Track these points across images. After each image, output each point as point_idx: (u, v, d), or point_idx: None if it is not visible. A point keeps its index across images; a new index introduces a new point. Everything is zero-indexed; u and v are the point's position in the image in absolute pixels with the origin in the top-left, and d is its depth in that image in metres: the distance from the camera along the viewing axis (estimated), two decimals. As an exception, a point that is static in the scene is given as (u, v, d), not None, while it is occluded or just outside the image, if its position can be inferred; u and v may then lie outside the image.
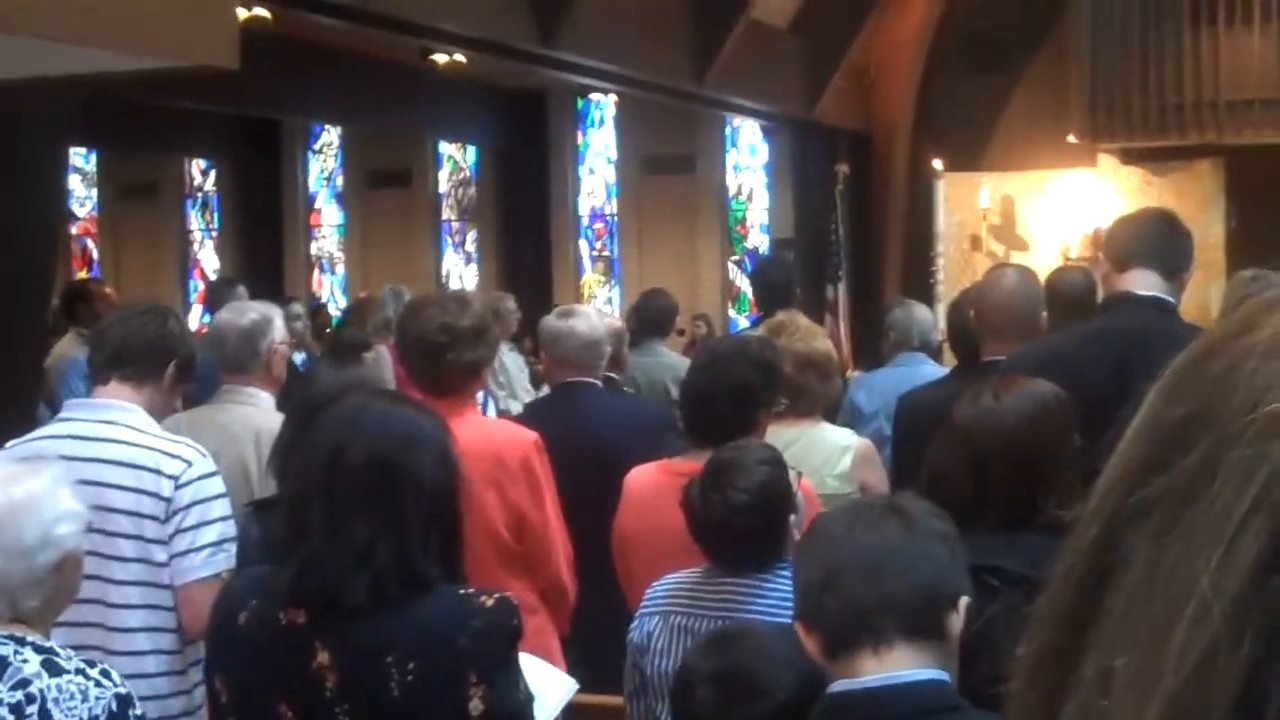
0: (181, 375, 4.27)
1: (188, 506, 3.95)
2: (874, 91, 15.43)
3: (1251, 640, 0.60)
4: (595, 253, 20.47)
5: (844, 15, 14.34)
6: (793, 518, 3.54)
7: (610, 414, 5.48)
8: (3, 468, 3.42)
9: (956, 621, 2.40)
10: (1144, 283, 4.37)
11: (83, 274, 21.06)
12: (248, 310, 5.02)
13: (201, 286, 21.71)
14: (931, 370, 6.43)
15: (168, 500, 3.95)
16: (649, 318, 8.71)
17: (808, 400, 5.10)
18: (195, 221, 22.87)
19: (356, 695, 2.69)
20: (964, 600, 2.42)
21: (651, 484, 4.29)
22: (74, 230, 22.51)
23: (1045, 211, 14.63)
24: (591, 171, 20.38)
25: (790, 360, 4.85)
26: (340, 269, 21.81)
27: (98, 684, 2.90)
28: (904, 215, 15.43)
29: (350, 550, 2.67)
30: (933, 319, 7.46)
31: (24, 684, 2.83)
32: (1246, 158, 13.46)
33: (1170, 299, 4.39)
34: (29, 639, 2.93)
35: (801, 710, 2.52)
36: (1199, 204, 13.51)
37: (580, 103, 19.99)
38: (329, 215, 21.98)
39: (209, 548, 3.97)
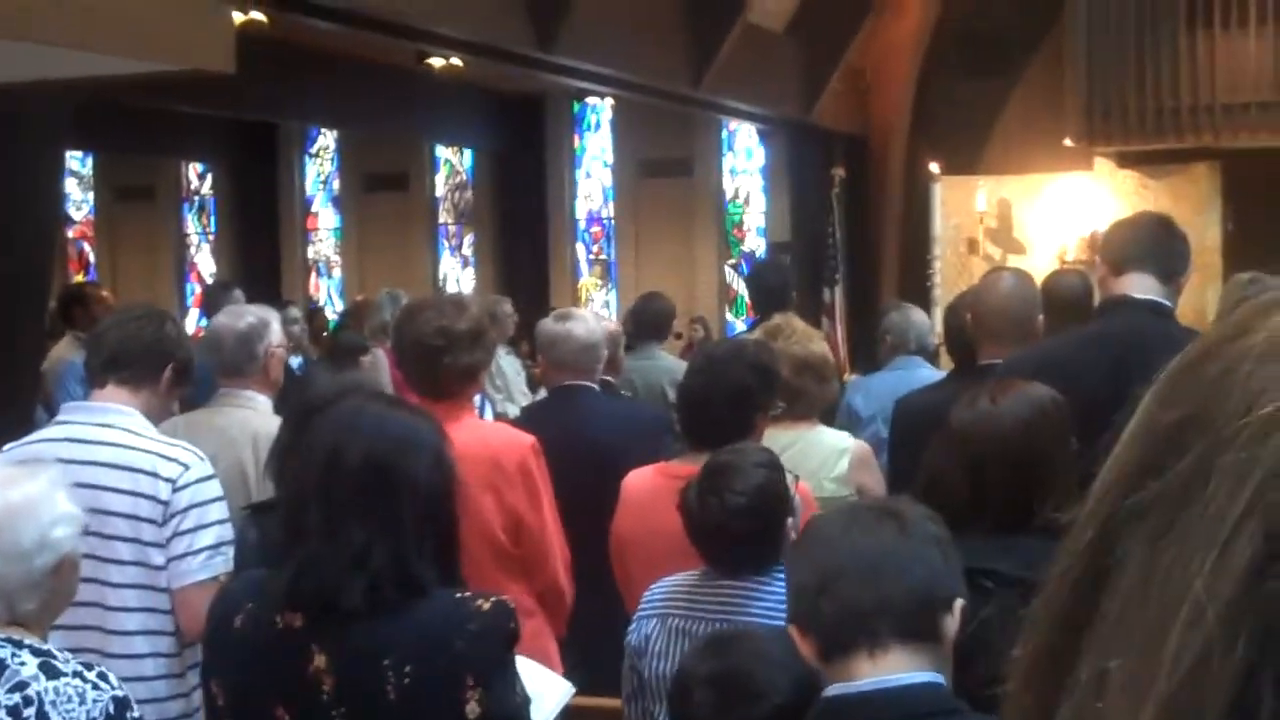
0: (178, 379, 4.27)
1: (185, 510, 3.96)
2: (870, 95, 15.43)
3: (1245, 643, 0.60)
4: (592, 256, 20.48)
5: (840, 18, 14.35)
6: (790, 521, 3.55)
7: (607, 417, 5.48)
8: (0, 471, 3.42)
9: (951, 624, 2.41)
10: (1141, 286, 4.37)
11: (79, 277, 21.04)
12: (245, 314, 5.02)
13: (198, 290, 21.70)
14: (928, 374, 6.43)
15: (165, 503, 3.95)
16: (646, 321, 8.71)
17: (805, 403, 5.11)
18: (192, 225, 22.86)
19: (353, 698, 2.69)
20: (959, 603, 2.42)
21: (649, 487, 4.29)
22: (70, 233, 22.50)
23: (1042, 215, 14.63)
24: (588, 175, 20.38)
25: (787, 363, 4.85)
26: (337, 272, 21.81)
27: (95, 686, 2.90)
28: (900, 218, 15.43)
29: (346, 553, 2.67)
30: (929, 323, 7.46)
31: (22, 686, 2.83)
32: (1243, 161, 13.46)
33: (1167, 303, 4.40)
34: (26, 642, 2.93)
35: (797, 714, 2.52)
36: (1195, 207, 13.52)
37: (577, 106, 20.00)
38: (325, 219, 21.98)
39: (206, 551, 3.97)
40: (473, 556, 3.62)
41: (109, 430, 4.04)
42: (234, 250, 21.84)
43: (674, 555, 3.74)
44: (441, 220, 21.29)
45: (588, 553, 4.56)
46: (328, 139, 21.72)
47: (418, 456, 2.76)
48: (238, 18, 8.12)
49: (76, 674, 2.90)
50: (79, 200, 23.00)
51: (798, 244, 15.74)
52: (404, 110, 17.08)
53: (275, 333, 4.96)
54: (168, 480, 3.96)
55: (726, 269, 19.32)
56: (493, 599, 2.76)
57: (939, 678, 2.39)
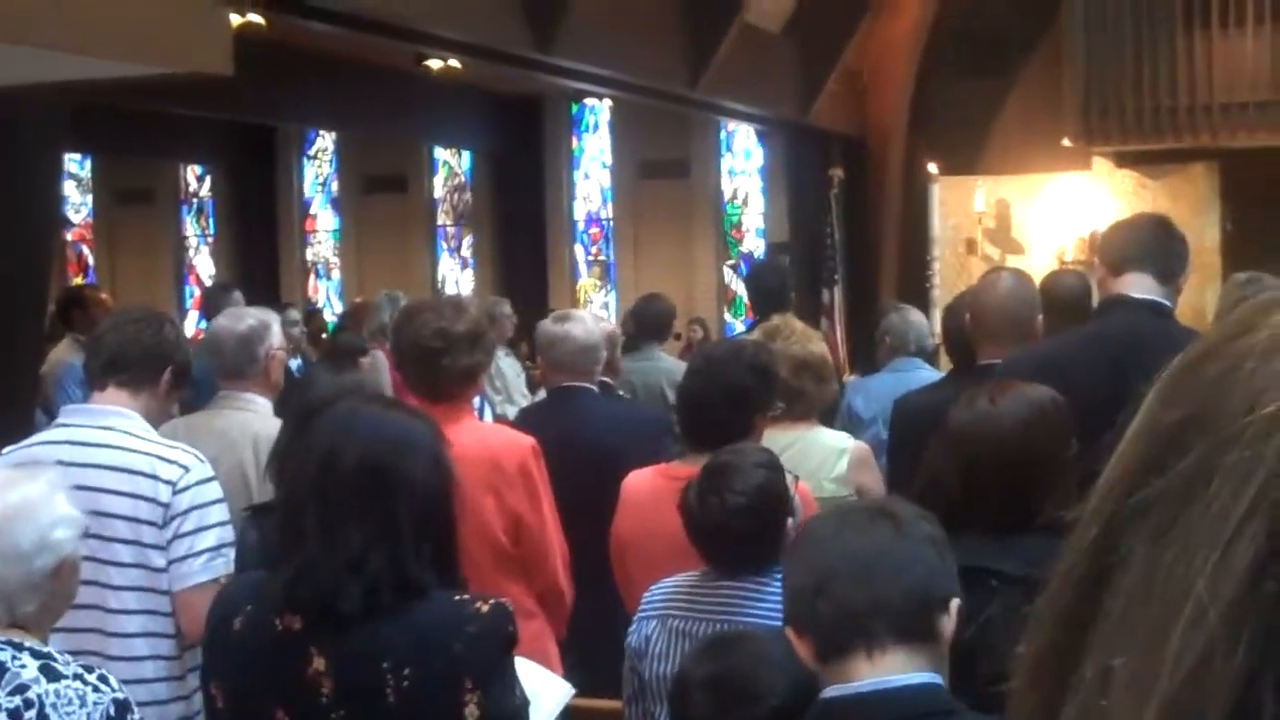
0: (177, 381, 4.27)
1: (185, 512, 3.96)
2: (868, 95, 15.43)
3: (1247, 644, 0.60)
4: (591, 257, 20.47)
5: (837, 19, 14.34)
6: (790, 521, 3.55)
7: (607, 419, 5.48)
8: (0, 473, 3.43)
9: (948, 624, 2.41)
10: (1139, 286, 4.38)
11: (78, 280, 21.04)
12: (245, 316, 5.02)
13: (197, 292, 21.69)
14: (928, 375, 6.43)
15: (165, 505, 3.95)
16: (647, 322, 8.71)
17: (804, 404, 5.11)
18: (191, 227, 22.86)
19: (352, 701, 2.69)
20: (955, 602, 2.42)
21: (649, 488, 4.29)
22: (69, 236, 22.51)
23: (1040, 215, 14.64)
24: (587, 176, 20.38)
25: (786, 364, 4.86)
26: (336, 274, 21.81)
27: (95, 689, 2.91)
28: (899, 219, 15.43)
29: (343, 556, 2.67)
30: (927, 324, 7.46)
31: (22, 689, 2.83)
32: (1241, 161, 13.47)
33: (1166, 302, 4.40)
34: (27, 644, 2.93)
35: (795, 715, 2.52)
36: (1194, 207, 13.53)
37: (575, 108, 19.99)
38: (324, 221, 21.97)
39: (207, 553, 3.97)
40: (473, 558, 3.62)
41: (109, 433, 4.04)
42: (233, 252, 21.84)
43: (674, 556, 3.74)
44: (440, 222, 21.28)
45: (587, 554, 4.56)
46: (326, 141, 21.72)
47: (415, 458, 2.76)
48: (235, 20, 8.12)
49: (77, 676, 2.90)
50: (78, 203, 23.00)
51: (796, 245, 15.73)
52: (402, 112, 17.07)
53: (275, 335, 4.96)
54: (168, 483, 3.96)
55: (725, 270, 19.32)
56: (491, 601, 2.76)
57: (936, 678, 2.39)
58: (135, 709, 3.00)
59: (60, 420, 4.31)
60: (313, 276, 22.00)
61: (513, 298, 12.87)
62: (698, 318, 16.49)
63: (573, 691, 3.45)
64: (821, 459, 5.01)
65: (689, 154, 19.13)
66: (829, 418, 5.88)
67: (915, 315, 7.18)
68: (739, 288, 18.49)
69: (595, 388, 5.62)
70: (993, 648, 2.42)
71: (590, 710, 4.06)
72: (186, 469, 3.99)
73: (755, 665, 2.77)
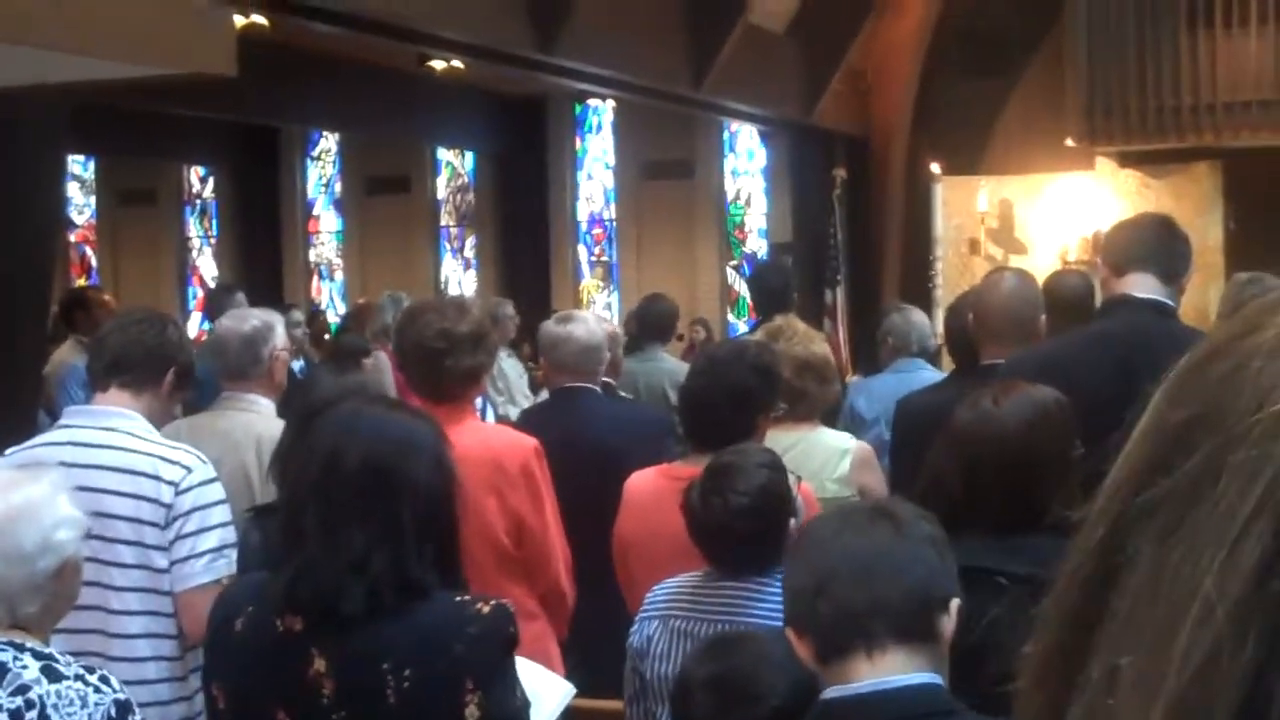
0: (180, 382, 4.28)
1: (188, 513, 3.96)
2: (871, 95, 15.41)
3: (1255, 642, 0.60)
4: (594, 258, 20.47)
5: (840, 19, 14.33)
6: (793, 522, 3.55)
7: (609, 419, 5.48)
8: (2, 474, 3.43)
9: (948, 624, 2.41)
10: (1143, 286, 4.37)
11: (81, 281, 21.05)
12: (249, 317, 5.02)
13: (200, 294, 21.71)
14: (930, 375, 6.42)
15: (168, 506, 3.95)
16: (650, 323, 8.71)
17: (806, 404, 5.11)
18: (194, 228, 22.86)
19: (353, 702, 2.69)
20: (955, 602, 2.42)
21: (651, 489, 4.29)
22: (72, 237, 22.51)
23: (1043, 215, 14.63)
24: (590, 177, 20.37)
25: (788, 364, 4.86)
26: (339, 275, 21.81)
27: (97, 690, 2.91)
28: (902, 219, 15.42)
29: (345, 557, 2.67)
30: (930, 324, 7.45)
31: (23, 690, 2.83)
32: (1244, 160, 13.45)
33: (1170, 302, 4.40)
34: (28, 645, 2.93)
35: (796, 716, 2.52)
36: (1197, 206, 13.51)
37: (578, 108, 20.00)
38: (327, 222, 21.97)
39: (209, 554, 3.97)
40: (475, 559, 3.62)
41: (111, 434, 4.04)
42: (236, 254, 21.84)
43: (676, 557, 3.74)
44: (443, 223, 21.28)
45: (589, 555, 4.56)
46: (329, 142, 21.72)
47: (417, 459, 2.76)
48: (239, 21, 8.13)
49: (78, 677, 2.90)
50: (81, 204, 23.01)
51: (799, 245, 15.73)
52: (405, 113, 17.08)
53: (280, 336, 4.97)
54: (170, 483, 3.96)
55: (728, 270, 19.32)
56: (492, 602, 2.76)
57: (937, 678, 2.39)
58: (137, 710, 3.00)
59: (63, 421, 4.31)
60: (316, 277, 22.00)
61: (515, 298, 12.88)
62: (700, 318, 16.49)
63: (574, 692, 3.45)
64: (824, 459, 5.01)
65: (692, 154, 19.12)
66: (831, 418, 5.88)
67: (918, 315, 7.18)
68: (742, 288, 18.49)
69: (598, 388, 5.62)
70: (1000, 647, 2.42)
71: (592, 711, 4.06)
72: (189, 470, 3.99)
73: (756, 665, 2.77)
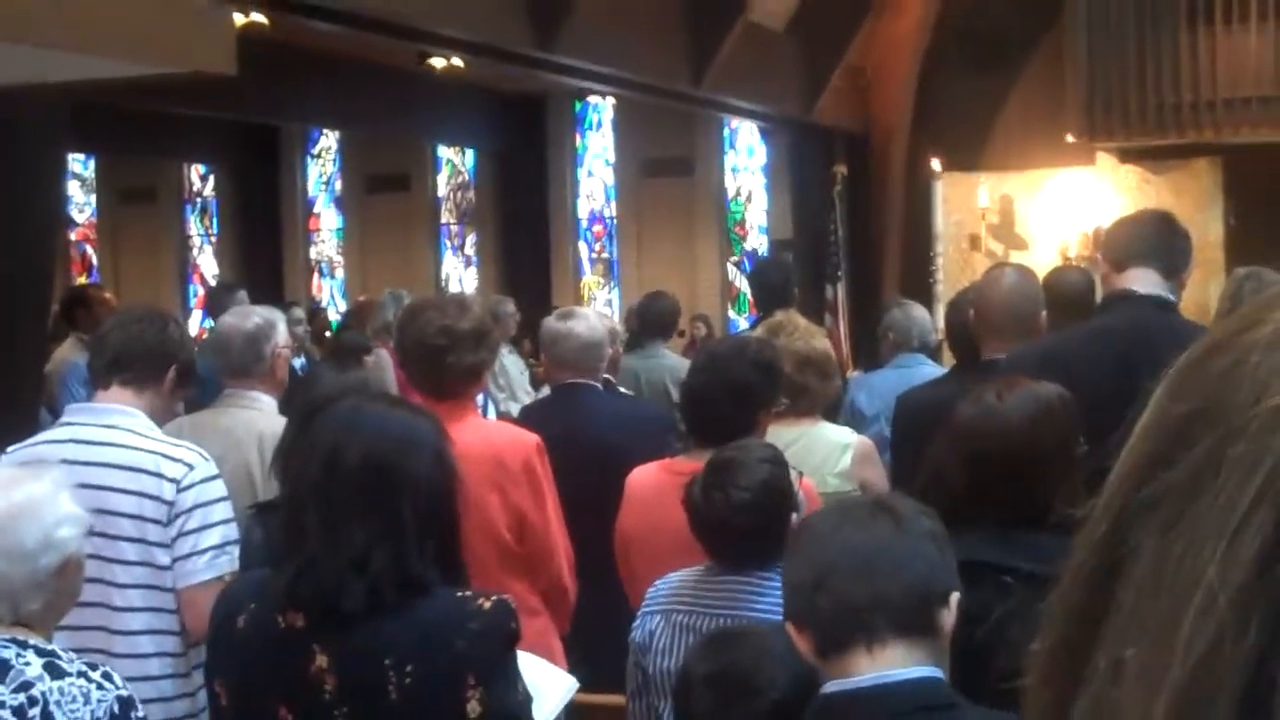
0: (181, 380, 4.28)
1: (190, 510, 3.96)
2: (871, 92, 15.41)
3: (1258, 629, 0.60)
4: (594, 255, 20.48)
5: (840, 16, 14.32)
6: (794, 517, 3.55)
7: (610, 416, 5.49)
8: (4, 472, 3.44)
9: (948, 618, 2.41)
10: (1144, 281, 4.38)
11: (82, 279, 21.03)
12: (251, 314, 5.03)
13: (201, 292, 21.72)
14: (931, 371, 6.42)
15: (170, 503, 3.95)
16: (651, 319, 8.72)
17: (807, 400, 5.11)
18: (194, 227, 22.87)
19: (355, 698, 2.70)
20: (954, 596, 2.42)
21: (653, 484, 4.30)
22: (73, 236, 22.52)
23: (1044, 211, 14.63)
24: (590, 174, 20.38)
25: (789, 360, 4.86)
26: (340, 273, 21.82)
27: (99, 686, 2.91)
28: (902, 215, 15.41)
29: (346, 554, 2.67)
30: (931, 320, 7.44)
31: (26, 686, 2.84)
32: (1244, 156, 13.45)
33: (1170, 297, 4.40)
34: (31, 642, 2.93)
35: (796, 709, 2.52)
36: (1197, 202, 13.51)
37: (578, 106, 20.00)
38: (328, 220, 21.98)
39: (211, 551, 3.97)
40: (477, 555, 3.63)
41: (113, 431, 4.05)
42: (236, 252, 21.85)
43: (678, 551, 3.75)
44: (444, 220, 21.29)
45: (591, 550, 4.57)
46: (329, 140, 21.73)
47: (418, 455, 2.76)
48: (239, 20, 8.13)
49: (81, 674, 2.91)
50: (81, 202, 23.02)
51: (799, 241, 15.72)
52: (405, 111, 17.08)
53: (281, 333, 4.98)
54: (172, 480, 3.96)
55: (729, 267, 19.33)
56: (494, 598, 2.76)
57: (937, 672, 2.39)
58: (139, 706, 3.01)
59: (65, 419, 4.32)
60: (316, 275, 22.01)
61: (516, 295, 12.88)
62: (701, 314, 16.50)
63: (577, 686, 3.45)
64: (825, 454, 5.01)
65: (692, 151, 19.13)
66: (833, 414, 5.88)
67: (918, 311, 7.18)
68: (742, 284, 18.50)
69: (599, 385, 5.62)
70: (1009, 644, 2.43)
71: (594, 706, 4.07)
72: (191, 466, 4.00)
73: (757, 660, 2.77)
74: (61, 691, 2.85)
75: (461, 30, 10.74)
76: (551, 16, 10.82)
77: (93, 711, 2.87)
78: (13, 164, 7.33)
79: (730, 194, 19.42)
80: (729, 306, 19.16)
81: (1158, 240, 4.47)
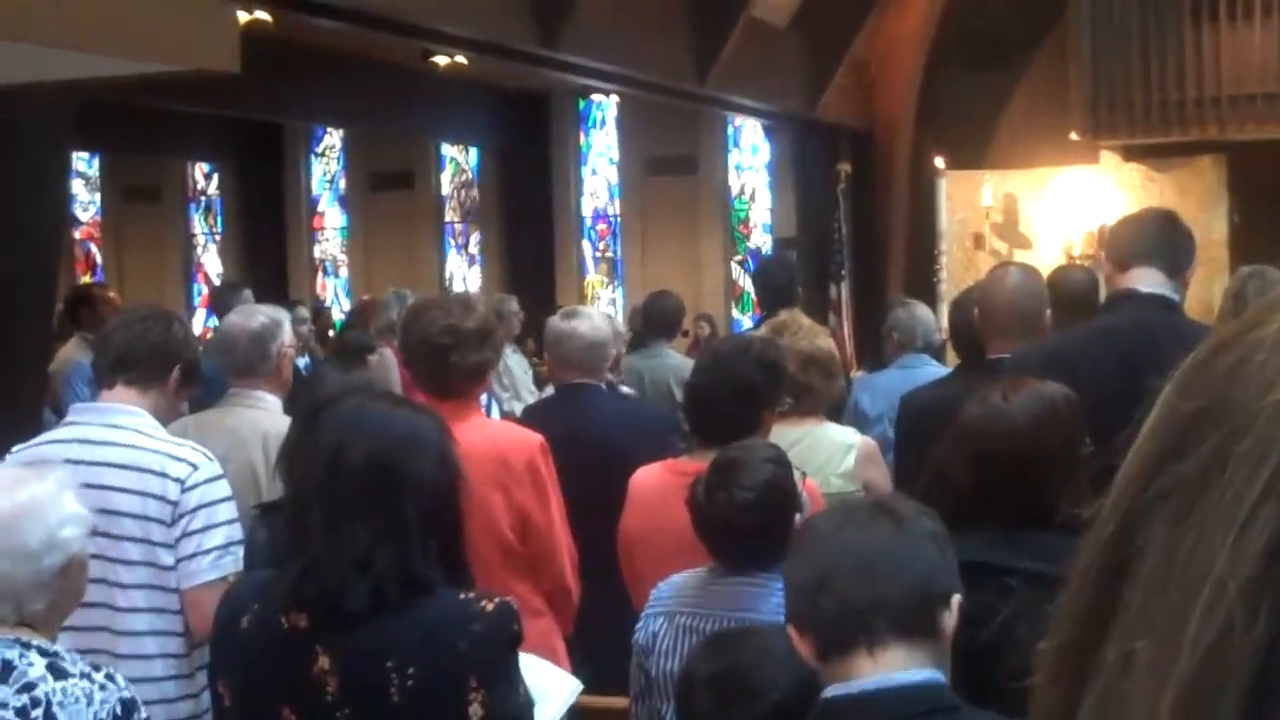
0: (185, 380, 4.28)
1: (194, 510, 3.96)
2: (875, 89, 15.39)
3: (1267, 617, 0.61)
4: (598, 254, 20.46)
5: (844, 13, 14.31)
6: (798, 517, 3.55)
7: (614, 415, 5.49)
8: (7, 472, 3.44)
9: (949, 619, 2.41)
10: (1147, 281, 4.38)
11: (86, 278, 21.04)
12: (257, 313, 5.03)
13: (205, 290, 21.71)
14: (935, 371, 6.41)
15: (174, 504, 3.95)
16: (656, 319, 8.71)
17: (811, 399, 5.11)
18: (198, 225, 22.87)
19: (357, 699, 2.70)
20: (956, 598, 2.42)
21: (657, 484, 4.30)
22: (77, 234, 22.50)
23: (1048, 209, 14.62)
24: (594, 172, 20.36)
25: (793, 359, 4.86)
26: (344, 272, 21.80)
27: (103, 687, 2.91)
28: (906, 214, 15.40)
29: (349, 554, 2.67)
30: (934, 319, 7.44)
31: (29, 687, 2.84)
32: (1249, 153, 13.44)
33: (1174, 296, 4.40)
34: (35, 642, 2.94)
35: (798, 710, 2.52)
36: (1201, 200, 13.50)
37: (582, 104, 19.98)
38: (332, 218, 21.97)
39: (215, 551, 3.97)
40: (481, 555, 3.63)
41: (117, 431, 4.05)
42: (240, 250, 21.85)
43: (682, 552, 3.74)
44: (448, 218, 21.27)
45: (595, 550, 4.57)
46: (333, 138, 21.71)
47: (421, 455, 2.76)
48: (242, 17, 8.12)
49: (84, 675, 2.91)
50: (85, 201, 23.00)
51: (803, 240, 15.72)
52: (409, 109, 17.07)
53: (287, 333, 4.99)
54: (176, 480, 3.96)
55: (733, 265, 19.30)
56: (496, 600, 2.76)
57: (938, 675, 2.39)
58: (142, 707, 3.01)
59: (69, 419, 4.32)
60: (320, 274, 22.00)
61: (520, 294, 12.87)
62: (705, 313, 16.47)
63: (581, 688, 3.45)
64: (829, 454, 5.01)
65: (696, 150, 19.11)
66: (836, 413, 5.87)
67: (922, 310, 7.17)
68: (746, 283, 18.47)
69: (603, 385, 5.62)
70: (1017, 644, 2.42)
71: (597, 708, 4.06)
72: (195, 467, 4.00)
73: (759, 660, 2.77)
74: (65, 692, 2.85)
75: (465, 28, 10.74)
76: (555, 14, 10.82)
77: (96, 713, 2.87)
78: (16, 163, 7.33)
79: (734, 192, 19.40)
80: (733, 305, 19.15)
81: (1161, 239, 4.47)
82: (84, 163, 22.19)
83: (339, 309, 19.67)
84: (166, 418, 4.27)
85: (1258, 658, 0.61)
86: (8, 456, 4.13)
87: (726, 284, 19.19)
